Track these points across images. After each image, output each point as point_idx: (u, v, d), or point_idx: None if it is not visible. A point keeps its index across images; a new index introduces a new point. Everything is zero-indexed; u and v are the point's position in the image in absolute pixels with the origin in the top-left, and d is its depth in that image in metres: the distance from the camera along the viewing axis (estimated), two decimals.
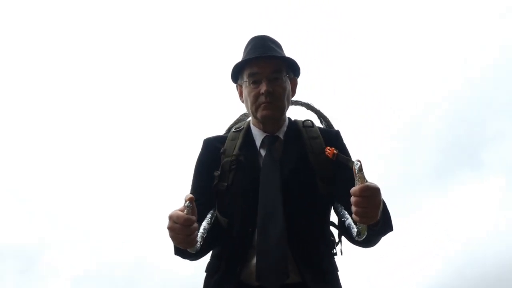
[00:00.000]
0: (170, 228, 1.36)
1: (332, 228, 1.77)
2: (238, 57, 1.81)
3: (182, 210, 1.34)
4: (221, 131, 1.96)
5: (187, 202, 1.33)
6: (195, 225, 1.35)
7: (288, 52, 1.82)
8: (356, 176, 1.30)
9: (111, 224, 5.92)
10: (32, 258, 5.82)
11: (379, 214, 1.35)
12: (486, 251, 5.50)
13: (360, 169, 1.30)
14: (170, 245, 1.52)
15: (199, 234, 1.44)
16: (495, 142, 6.18)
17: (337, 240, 1.75)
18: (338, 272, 1.71)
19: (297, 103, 1.96)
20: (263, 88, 1.69)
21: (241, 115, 1.98)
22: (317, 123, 1.92)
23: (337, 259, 1.74)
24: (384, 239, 1.60)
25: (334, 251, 1.73)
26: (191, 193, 1.75)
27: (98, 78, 6.44)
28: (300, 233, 1.61)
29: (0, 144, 5.97)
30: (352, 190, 1.31)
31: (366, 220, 1.35)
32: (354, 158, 1.74)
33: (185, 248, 1.42)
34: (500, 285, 5.24)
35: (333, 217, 1.76)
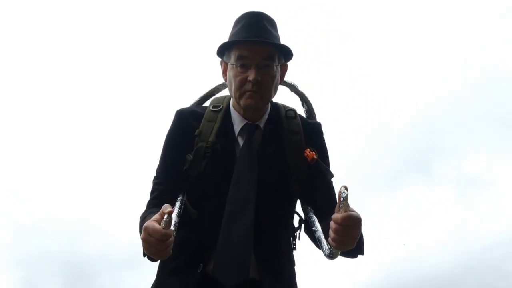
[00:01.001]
0: (144, 240, 1.29)
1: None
2: (226, 32, 1.65)
3: (158, 221, 1.26)
4: (193, 99, 1.84)
5: (165, 216, 1.24)
6: (171, 239, 1.28)
7: (283, 37, 1.67)
8: (341, 204, 1.27)
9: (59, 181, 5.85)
10: None
11: (356, 242, 1.34)
12: (427, 257, 5.70)
13: (346, 198, 1.27)
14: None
15: (172, 237, 1.35)
16: (448, 155, 6.39)
17: (296, 226, 1.71)
18: (295, 267, 1.69)
19: (282, 83, 1.81)
20: (251, 75, 1.55)
21: (219, 85, 1.84)
22: (299, 106, 1.85)
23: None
24: None
25: (294, 245, 1.71)
26: (159, 171, 1.66)
27: (91, 74, 6.34)
28: (266, 232, 1.56)
29: None
30: (334, 217, 1.28)
31: (342, 248, 1.34)
32: (330, 155, 1.73)
33: (157, 258, 1.39)
34: None
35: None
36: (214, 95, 1.83)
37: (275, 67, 1.59)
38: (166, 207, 1.26)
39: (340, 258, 1.48)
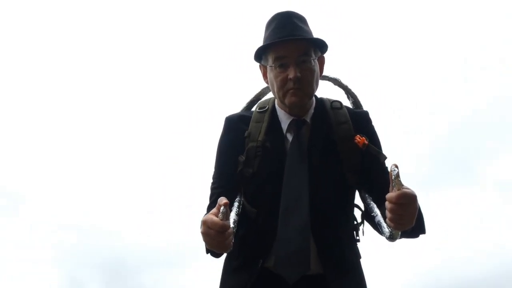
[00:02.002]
0: (204, 233, 1.34)
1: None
2: (254, 40, 1.70)
3: (215, 214, 1.30)
4: (239, 106, 1.90)
5: (222, 208, 1.28)
6: (230, 230, 1.32)
7: (312, 28, 1.71)
8: (393, 182, 1.25)
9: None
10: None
11: (414, 220, 1.31)
12: (468, 263, 5.57)
13: (398, 175, 1.25)
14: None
15: (232, 232, 1.40)
16: (491, 158, 6.21)
17: (359, 220, 1.72)
18: (361, 259, 1.69)
19: (324, 78, 1.87)
20: (291, 73, 1.58)
21: (264, 88, 1.89)
22: (345, 99, 1.87)
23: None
24: None
25: (357, 237, 1.71)
26: (215, 177, 1.73)
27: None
28: (325, 223, 1.58)
29: None
30: (388, 196, 1.27)
31: (400, 227, 1.32)
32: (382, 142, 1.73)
33: (219, 252, 1.43)
34: None
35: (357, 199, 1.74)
36: (260, 99, 1.88)
37: (312, 62, 1.63)
38: (221, 199, 1.30)
39: (403, 242, 1.49)
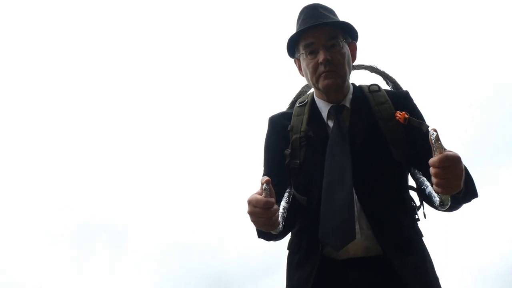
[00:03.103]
0: (250, 213, 1.36)
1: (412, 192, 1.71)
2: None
3: (259, 194, 1.34)
4: (282, 108, 1.93)
5: (264, 185, 1.32)
6: (275, 207, 1.35)
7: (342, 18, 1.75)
8: (434, 146, 1.23)
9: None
10: (121, 235, 6.22)
11: (462, 183, 1.28)
12: None
13: (437, 138, 1.23)
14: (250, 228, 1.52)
15: (280, 215, 1.44)
16: None
17: (418, 204, 1.68)
18: (423, 238, 1.65)
19: (360, 67, 1.90)
20: (321, 57, 1.64)
21: (303, 87, 1.94)
22: (384, 85, 1.85)
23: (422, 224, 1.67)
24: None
25: (417, 216, 1.67)
26: (265, 174, 1.76)
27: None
28: (377, 204, 1.57)
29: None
30: (431, 161, 1.24)
31: (449, 191, 1.28)
32: (426, 118, 1.70)
33: (267, 230, 1.42)
34: None
35: (411, 181, 1.69)
36: (300, 97, 1.92)
37: (341, 44, 1.67)
38: (263, 178, 1.35)
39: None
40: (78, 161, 6.30)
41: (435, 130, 1.24)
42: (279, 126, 1.78)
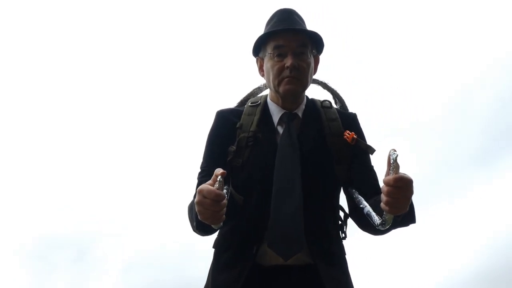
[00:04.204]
0: (199, 202, 1.31)
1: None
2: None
3: (212, 185, 1.30)
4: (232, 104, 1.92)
5: (219, 177, 1.29)
6: (225, 201, 1.31)
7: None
8: (391, 165, 1.27)
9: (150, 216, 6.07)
10: (83, 249, 6.04)
11: (408, 206, 1.34)
12: None
13: (396, 159, 1.26)
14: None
15: (225, 199, 1.38)
16: None
17: (343, 220, 1.74)
18: (346, 256, 1.70)
19: (314, 81, 1.92)
20: (288, 61, 1.64)
21: (255, 89, 1.93)
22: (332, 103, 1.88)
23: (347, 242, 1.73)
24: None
25: (342, 234, 1.73)
26: (203, 166, 1.72)
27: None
28: (314, 214, 1.59)
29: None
30: (386, 179, 1.28)
31: (395, 211, 1.33)
32: (370, 143, 1.72)
33: (210, 224, 1.36)
34: None
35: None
36: (250, 99, 1.90)
37: (309, 54, 1.69)
38: (218, 170, 1.30)
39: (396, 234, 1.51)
40: (41, 170, 5.99)
41: (395, 150, 1.27)
42: (227, 121, 1.75)
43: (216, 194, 1.28)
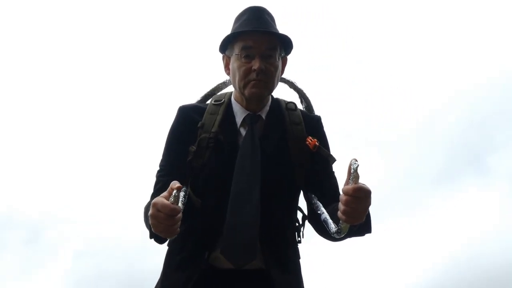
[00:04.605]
0: (152, 216, 1.28)
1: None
2: (222, 27, 1.69)
3: (166, 198, 1.27)
4: (195, 98, 1.87)
5: (174, 191, 1.25)
6: (180, 215, 1.29)
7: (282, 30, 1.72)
8: (351, 175, 1.27)
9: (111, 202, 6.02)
10: (36, 231, 5.95)
11: (365, 216, 1.35)
12: (485, 253, 5.53)
13: (356, 169, 1.26)
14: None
15: (180, 213, 1.36)
16: (503, 149, 6.17)
17: (301, 222, 1.74)
18: (300, 260, 1.70)
19: (281, 80, 1.87)
20: (256, 64, 1.59)
21: (220, 84, 1.88)
22: (298, 102, 1.87)
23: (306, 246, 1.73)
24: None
25: (299, 238, 1.73)
26: (162, 165, 1.69)
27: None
28: (271, 219, 1.58)
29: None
30: (345, 188, 1.29)
31: (352, 221, 1.34)
32: (332, 150, 1.74)
33: (164, 237, 1.36)
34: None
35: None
36: (215, 93, 1.87)
37: (277, 57, 1.65)
38: (174, 183, 1.27)
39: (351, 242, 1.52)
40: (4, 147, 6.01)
41: (356, 160, 1.27)
42: (189, 119, 1.70)
43: (170, 209, 1.25)
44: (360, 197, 1.27)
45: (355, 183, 1.26)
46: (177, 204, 1.27)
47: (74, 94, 6.38)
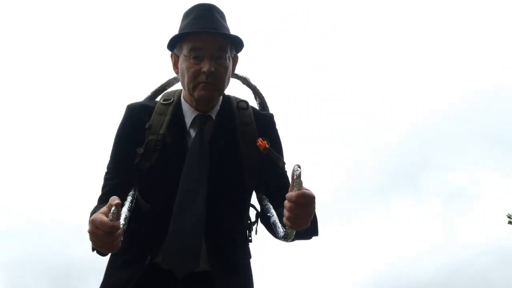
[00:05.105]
0: (91, 233, 1.26)
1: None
2: (172, 23, 1.65)
3: (105, 214, 1.24)
4: (144, 94, 1.83)
5: (113, 208, 1.22)
6: (120, 231, 1.27)
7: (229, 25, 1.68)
8: (294, 182, 1.27)
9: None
10: None
11: (310, 221, 1.35)
12: (413, 267, 5.76)
13: (299, 175, 1.26)
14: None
15: (121, 229, 1.32)
16: (436, 171, 6.47)
17: (253, 219, 1.73)
18: (251, 259, 1.70)
19: (234, 76, 1.84)
20: (205, 67, 1.55)
21: (171, 79, 1.83)
22: (251, 99, 1.85)
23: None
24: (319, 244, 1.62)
25: (250, 237, 1.72)
26: (110, 166, 1.64)
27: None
28: (219, 223, 1.57)
29: None
30: (288, 195, 1.28)
31: (297, 226, 1.34)
32: (284, 146, 1.73)
33: (105, 252, 1.36)
34: None
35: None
36: (166, 89, 1.82)
37: (228, 58, 1.61)
38: (113, 199, 1.25)
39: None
40: None
41: (299, 167, 1.27)
42: (136, 119, 1.64)
43: (109, 226, 1.23)
44: (303, 203, 1.27)
45: (298, 189, 1.26)
46: (117, 220, 1.24)
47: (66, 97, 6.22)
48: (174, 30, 1.64)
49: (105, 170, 1.66)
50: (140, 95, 1.80)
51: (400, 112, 6.58)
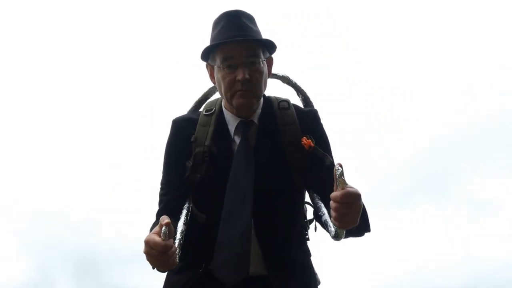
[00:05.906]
0: (146, 253, 1.31)
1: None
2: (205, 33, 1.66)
3: (158, 233, 1.27)
4: (188, 106, 1.86)
5: (163, 228, 1.25)
6: (174, 248, 1.30)
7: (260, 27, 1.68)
8: (337, 181, 1.25)
9: None
10: None
11: (358, 219, 1.32)
12: (434, 277, 5.69)
13: (341, 174, 1.24)
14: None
15: (177, 244, 1.39)
16: (464, 179, 6.36)
17: (310, 218, 1.72)
18: (311, 257, 1.70)
19: (273, 76, 1.83)
20: (239, 75, 1.55)
21: (211, 88, 1.85)
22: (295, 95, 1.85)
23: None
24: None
25: (307, 236, 1.72)
26: (163, 182, 1.69)
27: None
28: (269, 225, 1.57)
29: None
30: (333, 195, 1.26)
31: (345, 226, 1.32)
32: (331, 141, 1.72)
33: (163, 270, 1.41)
34: None
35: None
36: (208, 98, 1.85)
37: (261, 63, 1.60)
38: (163, 219, 1.27)
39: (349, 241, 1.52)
40: None
41: (340, 165, 1.24)
42: (182, 133, 1.69)
43: (161, 246, 1.26)
44: (348, 202, 1.25)
45: (342, 188, 1.24)
46: (169, 238, 1.27)
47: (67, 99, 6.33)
48: (201, 39, 1.67)
49: (160, 187, 1.71)
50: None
51: (427, 120, 6.49)
